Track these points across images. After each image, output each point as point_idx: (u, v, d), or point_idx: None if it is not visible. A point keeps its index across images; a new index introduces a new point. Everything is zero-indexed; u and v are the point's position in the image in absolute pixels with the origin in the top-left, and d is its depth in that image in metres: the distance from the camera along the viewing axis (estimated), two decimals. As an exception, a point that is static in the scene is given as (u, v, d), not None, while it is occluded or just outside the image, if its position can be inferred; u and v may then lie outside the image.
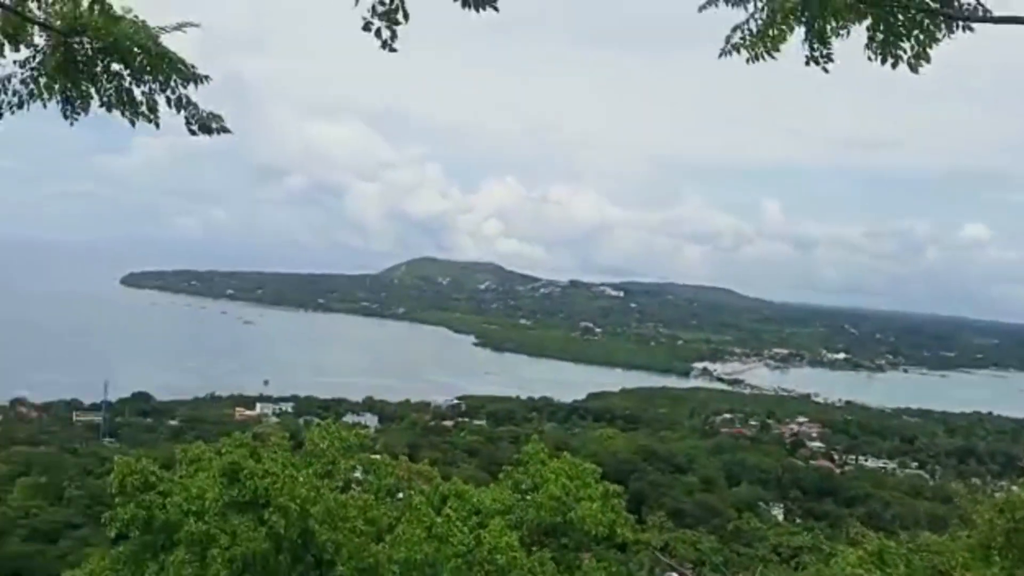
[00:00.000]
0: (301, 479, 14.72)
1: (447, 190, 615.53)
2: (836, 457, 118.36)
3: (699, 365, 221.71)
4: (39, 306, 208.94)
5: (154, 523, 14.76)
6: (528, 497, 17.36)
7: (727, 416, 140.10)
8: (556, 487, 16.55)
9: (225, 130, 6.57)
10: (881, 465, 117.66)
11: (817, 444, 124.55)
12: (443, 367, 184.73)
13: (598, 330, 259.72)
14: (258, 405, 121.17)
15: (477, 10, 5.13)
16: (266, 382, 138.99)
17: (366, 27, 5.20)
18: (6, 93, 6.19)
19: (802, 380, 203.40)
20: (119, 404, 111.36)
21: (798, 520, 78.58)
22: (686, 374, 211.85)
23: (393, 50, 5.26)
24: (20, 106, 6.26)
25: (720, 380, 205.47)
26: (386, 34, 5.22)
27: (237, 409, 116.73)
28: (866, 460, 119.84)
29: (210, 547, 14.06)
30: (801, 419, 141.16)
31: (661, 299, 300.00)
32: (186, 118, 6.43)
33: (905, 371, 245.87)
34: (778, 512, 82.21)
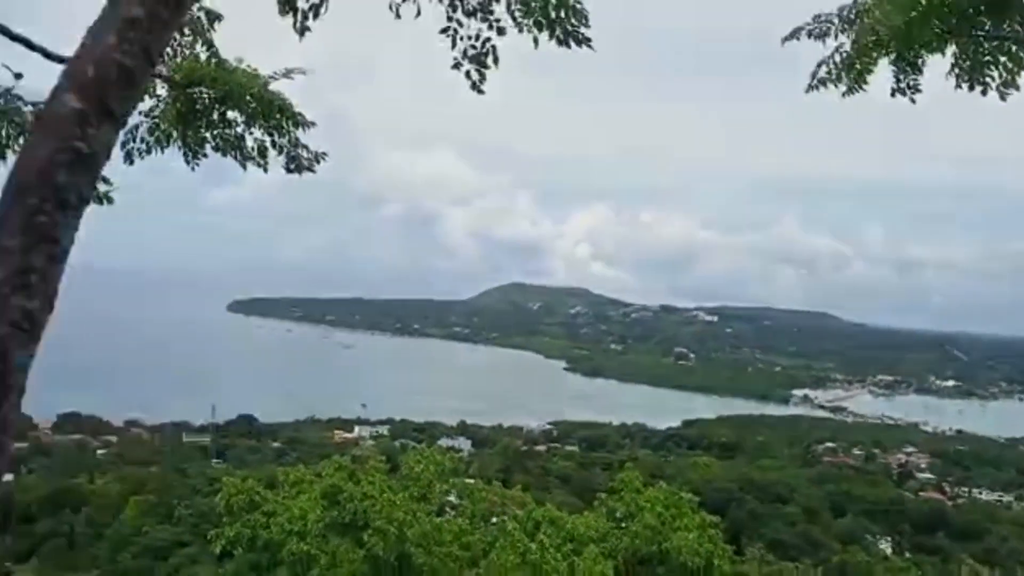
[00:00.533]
0: (398, 502, 15.00)
1: (537, 216, 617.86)
2: (948, 489, 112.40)
3: (799, 392, 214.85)
4: (152, 333, 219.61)
5: (258, 542, 15.29)
6: (623, 525, 17.20)
7: (829, 445, 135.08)
8: (652, 516, 16.36)
9: (312, 170, 6.93)
10: (996, 498, 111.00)
11: (927, 475, 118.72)
12: (534, 392, 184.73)
13: (692, 355, 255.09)
14: (356, 428, 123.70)
15: (570, 46, 5.24)
16: (364, 405, 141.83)
17: (455, 66, 5.37)
18: (135, 141, 6.70)
19: (909, 408, 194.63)
20: (226, 426, 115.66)
21: (907, 554, 74.96)
22: (785, 401, 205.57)
23: (481, 92, 5.38)
24: (148, 152, 6.75)
25: (822, 408, 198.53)
26: (475, 76, 5.35)
27: (336, 432, 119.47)
28: (980, 492, 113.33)
29: (311, 567, 14.46)
30: (909, 449, 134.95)
31: (757, 324, 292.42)
32: (287, 160, 6.78)
33: (1021, 399, 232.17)
34: (886, 546, 78.65)
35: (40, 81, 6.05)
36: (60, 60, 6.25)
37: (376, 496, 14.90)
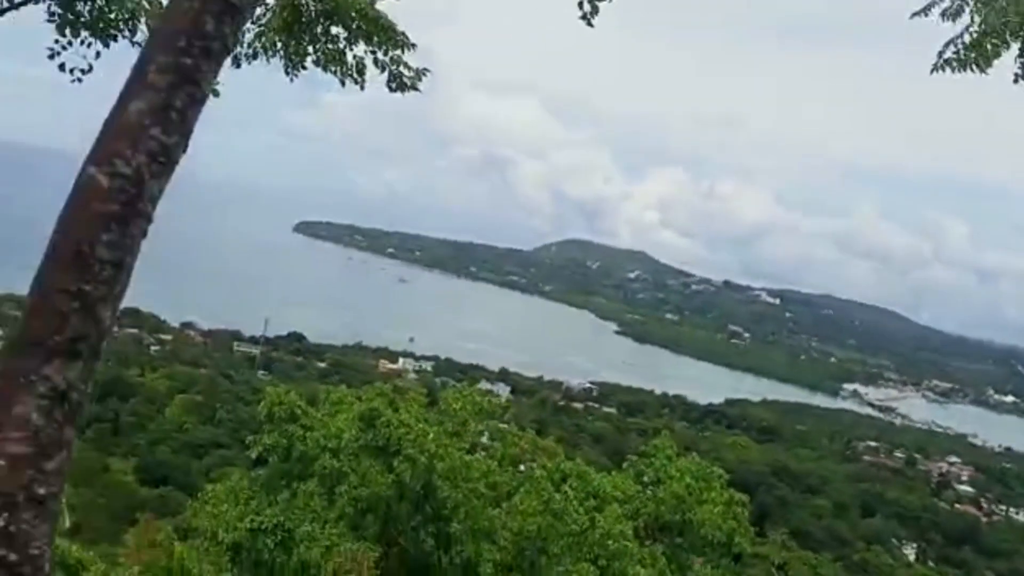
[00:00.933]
0: (431, 435, 15.26)
1: (611, 175, 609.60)
2: (985, 504, 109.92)
3: (850, 387, 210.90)
4: (217, 243, 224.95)
5: (292, 453, 15.75)
6: (649, 490, 17.25)
7: (872, 443, 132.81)
8: (679, 485, 16.36)
9: (416, 88, 6.91)
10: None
11: (966, 488, 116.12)
12: (581, 350, 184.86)
13: (747, 335, 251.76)
14: (400, 360, 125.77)
15: None
16: (411, 339, 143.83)
17: None
18: (243, 46, 6.77)
19: (961, 418, 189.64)
20: (275, 340, 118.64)
21: (931, 563, 73.92)
22: (835, 394, 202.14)
23: (591, 24, 5.28)
24: (254, 57, 6.82)
25: (871, 405, 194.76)
26: (588, 8, 5.24)
27: (381, 361, 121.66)
28: (1018, 513, 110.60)
29: (339, 484, 14.86)
30: (952, 459, 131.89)
31: (819, 312, 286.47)
32: (389, 77, 6.77)
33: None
34: (910, 552, 77.63)
35: None
36: None
37: (411, 425, 15.18)
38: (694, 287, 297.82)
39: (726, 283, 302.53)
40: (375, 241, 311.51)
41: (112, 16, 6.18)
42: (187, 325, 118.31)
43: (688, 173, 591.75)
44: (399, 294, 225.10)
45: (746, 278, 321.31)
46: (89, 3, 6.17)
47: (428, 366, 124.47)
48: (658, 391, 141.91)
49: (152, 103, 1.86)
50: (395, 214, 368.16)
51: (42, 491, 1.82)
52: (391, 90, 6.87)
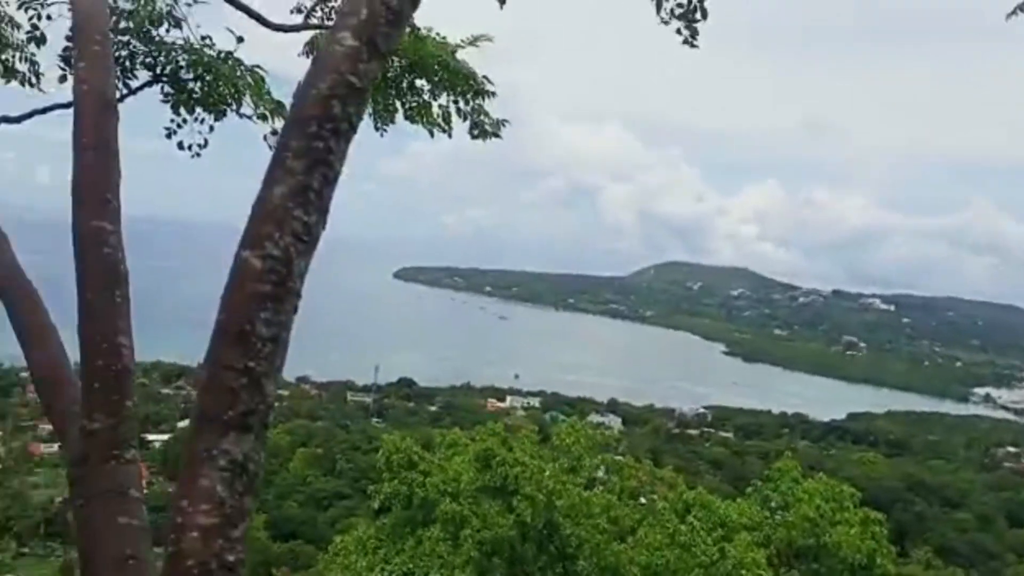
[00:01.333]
0: (548, 472, 15.18)
1: (703, 192, 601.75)
2: None
3: (981, 391, 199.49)
4: (325, 295, 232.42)
5: (414, 500, 15.92)
6: (778, 515, 16.65)
7: (1011, 449, 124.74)
8: (810, 508, 15.72)
9: (497, 135, 7.01)
10: None
11: None
12: (690, 374, 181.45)
13: (863, 345, 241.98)
14: (508, 397, 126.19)
15: None
16: (516, 376, 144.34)
17: (664, 23, 5.27)
18: None
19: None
20: (386, 387, 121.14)
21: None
22: (964, 400, 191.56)
23: (695, 46, 5.31)
24: None
25: (1005, 409, 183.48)
26: (686, 33, 5.26)
27: (489, 400, 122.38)
28: None
29: (463, 528, 14.91)
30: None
31: (939, 315, 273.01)
32: (471, 125, 6.90)
33: None
34: (1071, 564, 72.00)
35: (251, 46, 6.42)
36: (274, 27, 6.66)
37: (527, 463, 15.15)
38: (801, 299, 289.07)
39: (835, 292, 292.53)
40: (473, 281, 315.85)
41: (221, 91, 6.52)
42: (302, 379, 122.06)
43: (782, 183, 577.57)
44: (500, 331, 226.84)
45: (855, 285, 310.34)
46: (199, 81, 6.55)
47: (535, 402, 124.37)
48: (775, 411, 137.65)
49: (292, 186, 2.01)
50: (489, 252, 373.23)
51: (231, 558, 1.97)
52: (473, 137, 7.03)
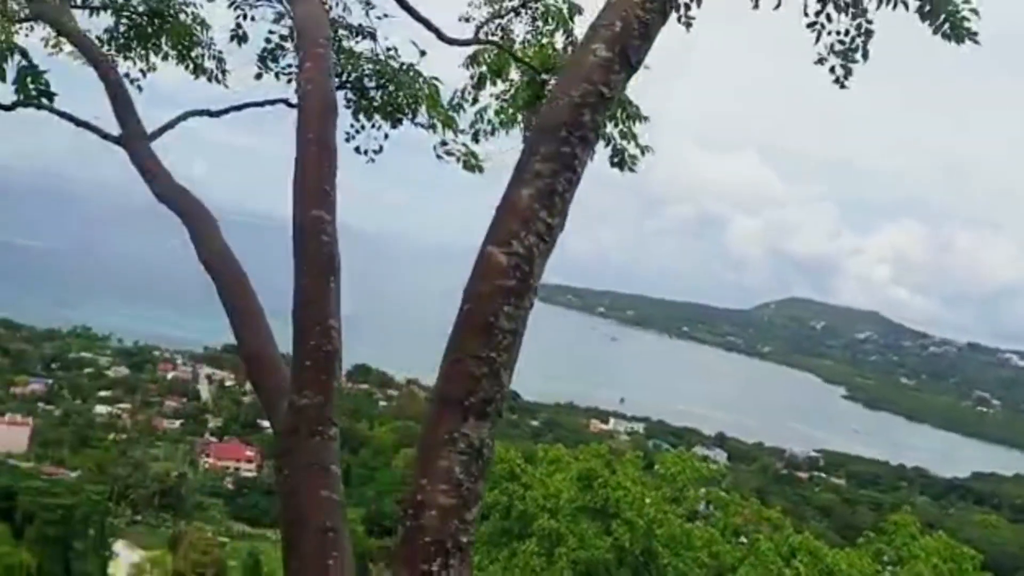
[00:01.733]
0: (650, 499, 14.96)
1: (836, 230, 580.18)
2: None
3: None
4: (447, 302, 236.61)
5: (512, 511, 15.99)
6: (889, 570, 15.86)
7: None
8: (926, 566, 14.88)
9: (632, 170, 6.96)
10: None
11: None
12: (805, 416, 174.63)
13: (996, 402, 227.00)
14: (611, 420, 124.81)
15: (959, 43, 4.73)
16: (622, 400, 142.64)
17: (819, 61, 5.08)
18: (482, 122, 7.20)
19: None
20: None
21: None
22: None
23: (844, 87, 5.09)
24: (493, 133, 7.22)
25: None
26: (840, 72, 5.00)
27: (592, 421, 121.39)
28: None
29: (559, 545, 14.86)
30: None
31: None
32: (612, 152, 6.86)
33: None
34: None
35: (410, 55, 6.63)
36: (448, 40, 6.87)
37: (628, 488, 14.97)
38: (932, 349, 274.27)
39: (970, 345, 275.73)
40: (587, 300, 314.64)
41: (400, 101, 6.77)
42: (412, 381, 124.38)
43: (924, 225, 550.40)
44: (609, 353, 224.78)
45: (994, 340, 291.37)
46: (381, 89, 6.81)
47: (640, 427, 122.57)
48: (893, 462, 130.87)
49: (539, 189, 2.10)
50: (607, 274, 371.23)
51: (464, 539, 2.07)
52: (611, 165, 6.91)
